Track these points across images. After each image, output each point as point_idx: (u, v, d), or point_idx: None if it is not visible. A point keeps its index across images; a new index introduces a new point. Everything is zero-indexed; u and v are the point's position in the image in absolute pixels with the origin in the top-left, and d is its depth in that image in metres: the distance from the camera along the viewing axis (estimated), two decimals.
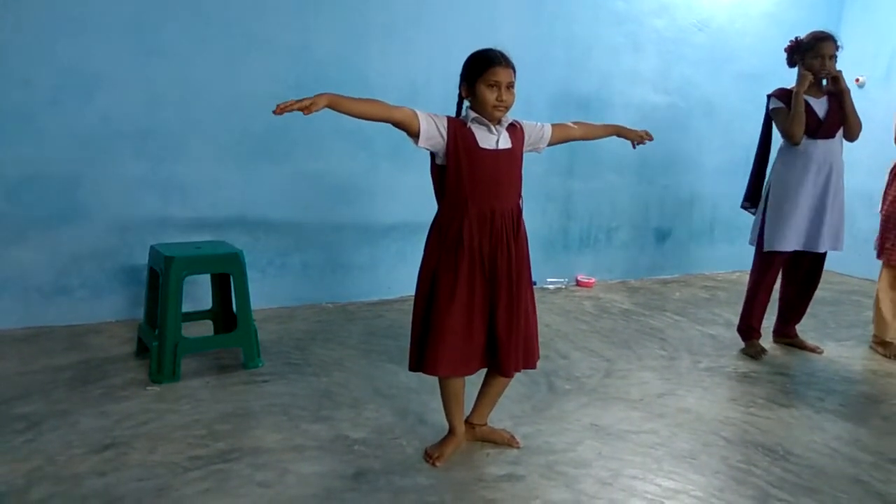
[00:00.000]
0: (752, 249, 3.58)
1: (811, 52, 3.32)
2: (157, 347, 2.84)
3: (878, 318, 3.64)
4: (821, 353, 3.62)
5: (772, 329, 3.80)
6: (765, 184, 3.55)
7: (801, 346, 3.68)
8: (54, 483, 2.02)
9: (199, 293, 3.57)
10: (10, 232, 3.38)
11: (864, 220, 5.51)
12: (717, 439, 2.52)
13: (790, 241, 3.40)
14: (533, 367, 2.29)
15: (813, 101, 3.36)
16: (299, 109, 1.79)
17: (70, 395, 2.66)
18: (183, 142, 3.69)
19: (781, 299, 3.74)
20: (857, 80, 5.77)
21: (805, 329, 3.83)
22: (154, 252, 3.03)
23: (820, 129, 3.35)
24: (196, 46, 3.64)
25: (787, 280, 3.69)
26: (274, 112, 1.78)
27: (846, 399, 3.01)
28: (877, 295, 3.64)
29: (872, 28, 5.71)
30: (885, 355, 3.60)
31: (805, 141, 3.36)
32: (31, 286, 3.46)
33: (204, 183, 3.77)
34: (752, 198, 3.63)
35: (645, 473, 2.24)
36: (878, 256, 3.62)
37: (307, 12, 3.90)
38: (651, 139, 2.56)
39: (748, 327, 3.62)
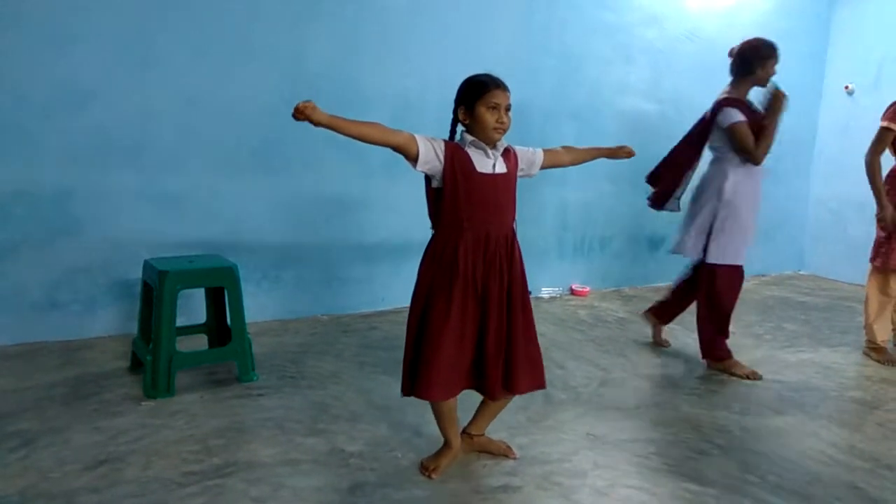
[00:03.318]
0: None
1: (772, 61, 3.32)
2: (151, 362, 2.83)
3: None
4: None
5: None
6: (710, 192, 3.40)
7: (658, 340, 3.80)
8: (48, 500, 2.01)
9: (193, 307, 3.56)
10: (2, 247, 3.37)
11: (856, 228, 5.55)
12: (712, 447, 2.52)
13: (745, 253, 3.39)
14: (543, 386, 2.29)
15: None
16: (303, 109, 1.79)
17: (64, 411, 2.65)
18: (177, 155, 3.69)
19: (674, 293, 3.74)
20: (847, 87, 5.82)
21: (799, 335, 3.85)
22: (148, 266, 3.02)
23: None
24: (190, 59, 3.65)
25: (689, 286, 3.66)
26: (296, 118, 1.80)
27: (841, 405, 3.02)
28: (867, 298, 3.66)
29: (861, 36, 5.77)
30: (879, 361, 3.62)
31: None
32: (24, 302, 3.44)
33: (198, 196, 3.77)
34: (663, 197, 3.62)
35: (641, 483, 2.24)
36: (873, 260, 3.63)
37: (302, 25, 3.91)
38: (633, 155, 2.58)
39: (722, 350, 3.44)
